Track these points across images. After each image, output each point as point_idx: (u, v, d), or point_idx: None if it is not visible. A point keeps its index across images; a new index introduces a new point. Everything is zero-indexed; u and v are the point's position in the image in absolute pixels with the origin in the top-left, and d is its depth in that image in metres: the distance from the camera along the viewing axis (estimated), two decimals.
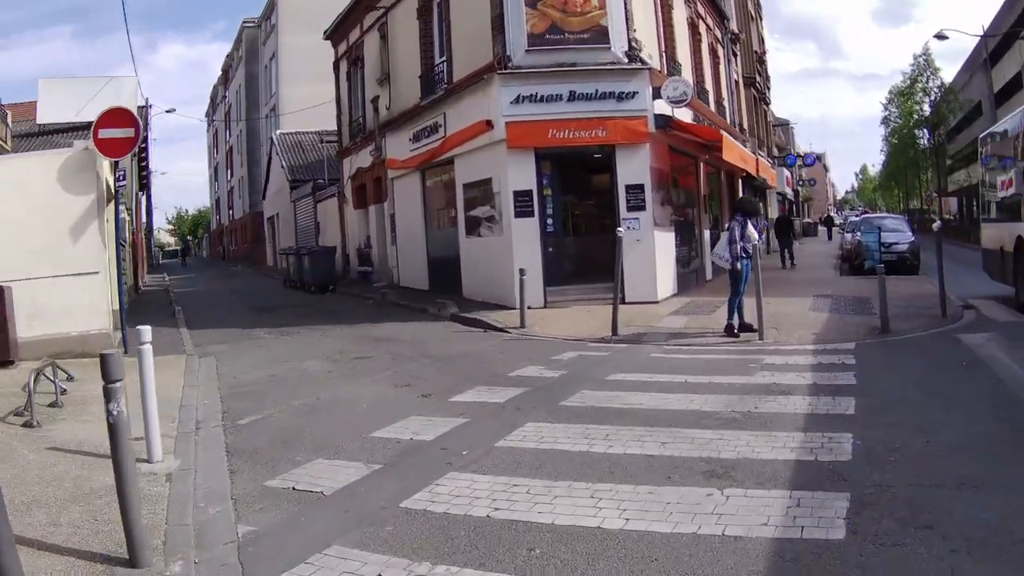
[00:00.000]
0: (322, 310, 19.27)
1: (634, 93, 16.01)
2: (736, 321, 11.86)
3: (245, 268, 47.41)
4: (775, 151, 44.41)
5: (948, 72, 55.19)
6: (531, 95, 15.91)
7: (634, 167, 16.08)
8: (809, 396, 7.45)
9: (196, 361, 12.01)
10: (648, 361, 10.16)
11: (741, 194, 27.86)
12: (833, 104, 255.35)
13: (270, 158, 43.60)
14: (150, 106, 48.34)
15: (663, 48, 18.72)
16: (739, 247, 11.77)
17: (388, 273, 24.46)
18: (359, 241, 27.95)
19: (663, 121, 16.42)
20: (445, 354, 11.56)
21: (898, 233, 22.65)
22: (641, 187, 16.06)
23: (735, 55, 30.40)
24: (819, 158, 78.32)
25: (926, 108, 54.15)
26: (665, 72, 18.05)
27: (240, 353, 12.86)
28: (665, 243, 17.13)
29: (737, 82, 30.20)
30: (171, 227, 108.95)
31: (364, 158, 25.85)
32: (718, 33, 27.15)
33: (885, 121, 60.06)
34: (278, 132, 42.16)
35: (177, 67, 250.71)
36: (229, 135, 63.30)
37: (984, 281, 15.81)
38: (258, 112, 52.56)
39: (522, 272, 14.07)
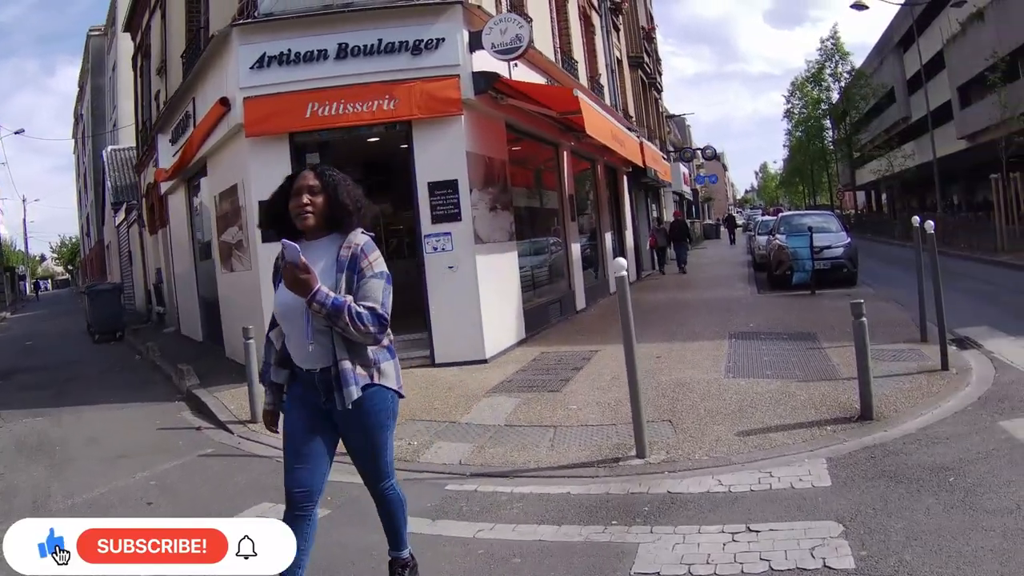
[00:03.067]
0: (57, 377, 13.25)
1: (439, 41, 10.45)
2: None
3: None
4: (670, 147, 39.78)
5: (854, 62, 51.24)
6: (281, 54, 10.29)
7: (440, 154, 10.49)
8: None
9: None
10: None
11: (627, 194, 22.75)
12: (730, 106, 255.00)
13: (103, 179, 36.99)
14: None
15: None
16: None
17: (174, 315, 18.66)
18: (154, 274, 22.01)
19: (486, 82, 10.79)
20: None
21: (829, 234, 17.37)
22: (453, 185, 10.47)
23: (616, 29, 25.19)
24: (718, 156, 73.66)
25: (834, 96, 50.14)
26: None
27: None
28: (501, 269, 11.54)
29: (620, 61, 24.97)
30: (55, 256, 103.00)
31: (152, 171, 19.85)
32: None
33: (788, 114, 55.78)
34: (108, 148, 35.59)
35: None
36: (85, 156, 55.95)
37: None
38: (103, 128, 45.72)
39: (246, 332, 8.56)
